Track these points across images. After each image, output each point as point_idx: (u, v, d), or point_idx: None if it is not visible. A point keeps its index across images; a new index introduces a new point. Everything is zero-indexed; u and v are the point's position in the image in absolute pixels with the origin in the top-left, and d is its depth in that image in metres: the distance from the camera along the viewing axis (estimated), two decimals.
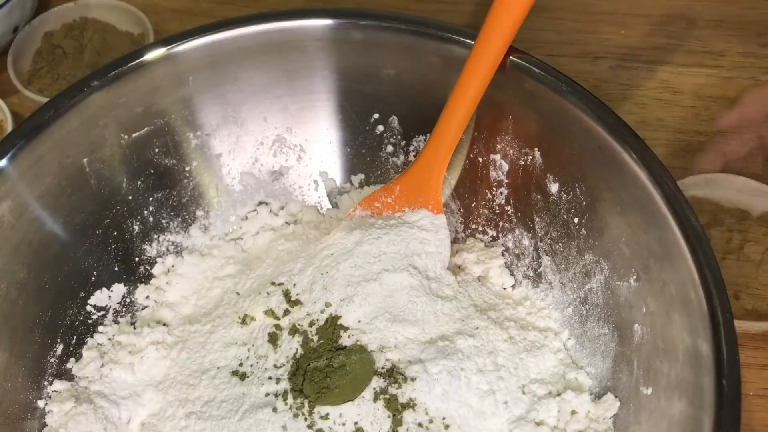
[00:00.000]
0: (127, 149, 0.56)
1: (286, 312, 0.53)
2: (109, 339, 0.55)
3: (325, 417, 0.48)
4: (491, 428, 0.50)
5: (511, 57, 0.51)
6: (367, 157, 0.62)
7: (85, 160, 0.54)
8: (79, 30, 0.72)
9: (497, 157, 0.56)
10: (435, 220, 0.56)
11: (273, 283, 0.54)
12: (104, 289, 0.57)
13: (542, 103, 0.52)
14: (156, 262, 0.59)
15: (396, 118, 0.59)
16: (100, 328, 0.56)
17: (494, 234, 0.59)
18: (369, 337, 0.52)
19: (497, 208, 0.58)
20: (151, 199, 0.58)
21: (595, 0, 0.75)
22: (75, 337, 0.55)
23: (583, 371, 0.53)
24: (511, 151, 0.56)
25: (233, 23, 0.55)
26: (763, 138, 0.53)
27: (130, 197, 0.57)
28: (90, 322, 0.56)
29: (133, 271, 0.58)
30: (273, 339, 0.52)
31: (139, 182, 0.57)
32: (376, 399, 0.49)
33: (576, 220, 0.54)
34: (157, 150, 0.57)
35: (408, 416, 0.49)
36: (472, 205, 0.59)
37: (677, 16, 0.73)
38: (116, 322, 0.57)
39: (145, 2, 0.78)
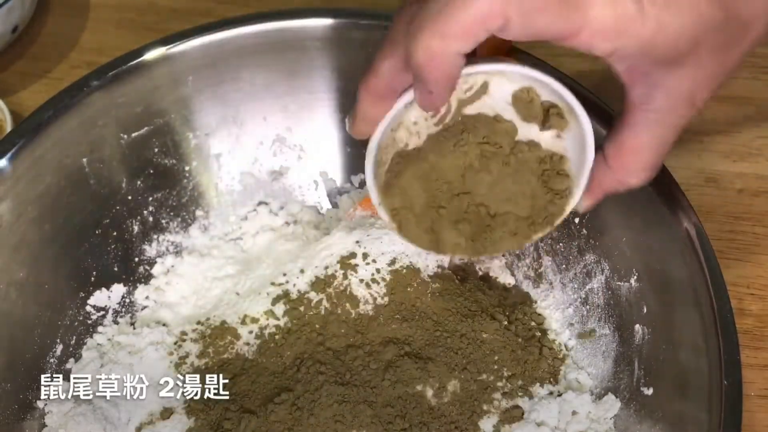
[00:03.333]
0: (126, 149, 0.56)
1: (286, 312, 0.53)
2: (109, 339, 0.55)
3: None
4: (490, 428, 0.50)
5: (511, 57, 0.51)
6: None
7: (84, 159, 0.54)
8: None
9: None
10: None
11: (273, 284, 0.54)
12: (104, 289, 0.57)
13: None
14: (155, 263, 0.59)
15: None
16: (100, 329, 0.56)
17: None
18: None
19: None
20: (150, 199, 0.58)
21: None
22: (74, 337, 0.55)
23: (583, 371, 0.53)
24: None
25: (233, 23, 0.55)
26: None
27: (129, 197, 0.57)
28: (89, 322, 0.56)
29: (133, 271, 0.58)
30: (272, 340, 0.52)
31: (139, 182, 0.57)
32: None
33: (576, 220, 0.53)
34: (156, 150, 0.57)
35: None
36: None
37: None
38: (116, 322, 0.57)
39: (145, 2, 0.78)
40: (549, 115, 0.40)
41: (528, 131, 0.41)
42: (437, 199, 0.43)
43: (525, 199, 0.42)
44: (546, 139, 0.41)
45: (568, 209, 0.42)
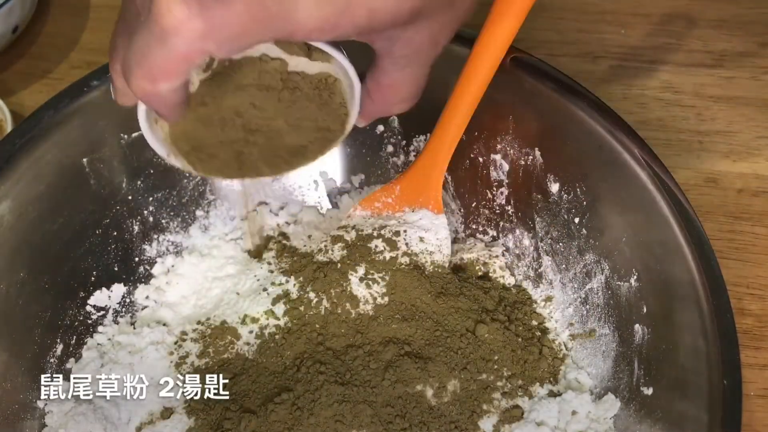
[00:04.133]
0: (126, 149, 0.56)
1: (286, 312, 0.53)
2: (109, 339, 0.55)
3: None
4: (490, 428, 0.50)
5: (511, 57, 0.51)
6: (367, 157, 0.61)
7: (84, 159, 0.54)
8: None
9: (497, 157, 0.56)
10: (435, 220, 0.55)
11: (273, 284, 0.54)
12: (104, 289, 0.57)
13: (542, 103, 0.52)
14: (156, 262, 0.59)
15: (396, 118, 0.59)
16: (100, 329, 0.56)
17: (494, 234, 0.59)
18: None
19: (497, 208, 0.58)
20: (150, 199, 0.58)
21: None
22: (75, 337, 0.55)
23: (583, 371, 0.53)
24: (511, 151, 0.55)
25: None
26: None
27: (129, 197, 0.57)
28: (90, 322, 0.56)
29: (133, 271, 0.58)
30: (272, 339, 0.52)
31: (139, 182, 0.57)
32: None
33: (576, 220, 0.53)
34: None
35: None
36: (473, 205, 0.59)
37: (678, 16, 0.73)
38: (116, 322, 0.57)
39: None
40: (312, 50, 0.42)
41: (298, 62, 0.42)
42: (223, 136, 0.43)
43: (308, 122, 0.43)
44: (317, 65, 0.42)
45: (349, 127, 0.44)
